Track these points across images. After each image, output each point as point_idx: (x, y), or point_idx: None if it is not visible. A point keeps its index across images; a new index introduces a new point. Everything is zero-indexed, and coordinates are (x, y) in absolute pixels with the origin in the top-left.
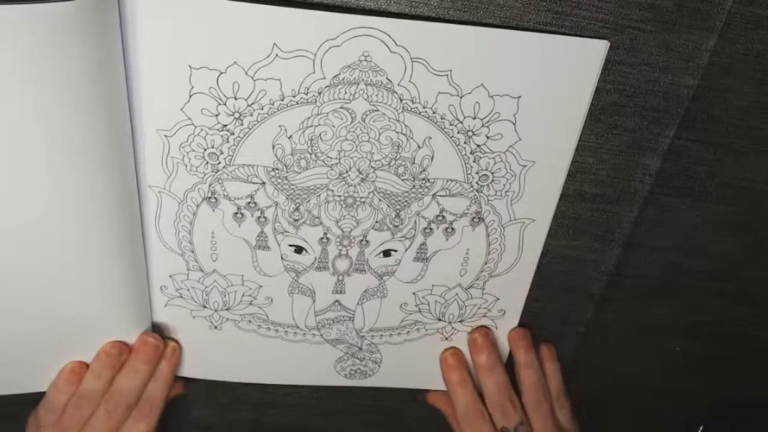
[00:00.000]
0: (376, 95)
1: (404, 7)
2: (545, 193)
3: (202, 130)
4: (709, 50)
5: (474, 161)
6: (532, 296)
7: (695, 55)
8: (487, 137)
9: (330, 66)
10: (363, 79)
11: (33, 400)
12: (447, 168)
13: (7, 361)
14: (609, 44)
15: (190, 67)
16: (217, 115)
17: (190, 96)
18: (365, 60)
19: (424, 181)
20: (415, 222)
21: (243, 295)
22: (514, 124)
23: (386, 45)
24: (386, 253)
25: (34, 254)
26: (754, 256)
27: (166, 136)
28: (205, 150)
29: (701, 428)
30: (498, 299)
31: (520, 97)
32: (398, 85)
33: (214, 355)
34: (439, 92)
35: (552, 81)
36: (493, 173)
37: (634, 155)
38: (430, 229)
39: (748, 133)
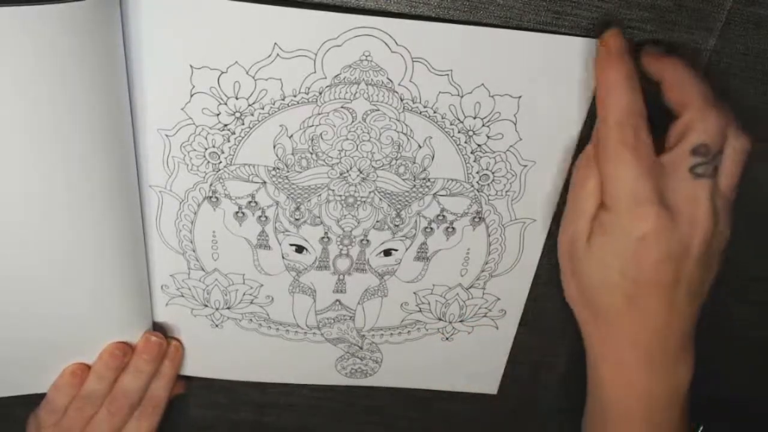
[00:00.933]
0: (377, 95)
1: (404, 7)
2: (546, 192)
3: (203, 129)
4: (709, 50)
5: (474, 161)
6: (532, 296)
7: (695, 55)
8: (488, 137)
9: (331, 66)
10: (364, 79)
11: (32, 400)
12: (447, 168)
13: (8, 362)
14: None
15: (191, 66)
16: (218, 115)
17: (191, 95)
18: (366, 60)
19: (424, 181)
20: (416, 221)
21: (244, 294)
22: (515, 124)
23: (387, 45)
24: (387, 253)
25: (34, 254)
26: (754, 257)
27: (167, 135)
28: (206, 149)
29: (701, 428)
30: (498, 299)
31: (520, 96)
32: (399, 84)
33: (215, 354)
34: (439, 92)
35: (553, 81)
36: (493, 173)
37: None
38: (431, 228)
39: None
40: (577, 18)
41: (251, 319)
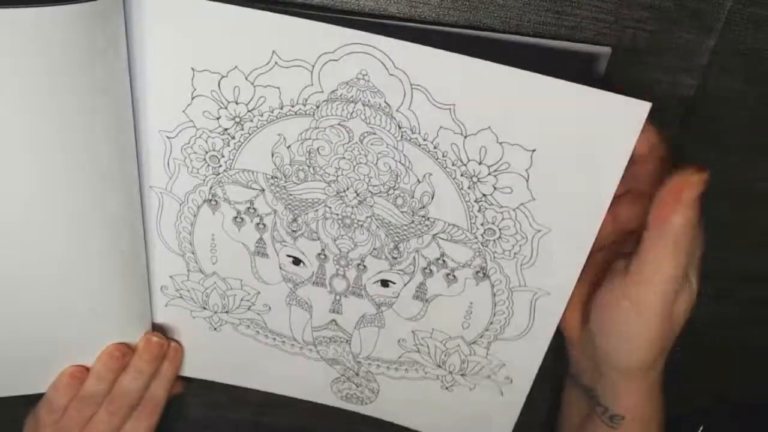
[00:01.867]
0: (374, 118)
1: (404, 7)
2: (563, 265)
3: (203, 132)
4: (709, 50)
5: (479, 210)
6: None
7: (695, 55)
8: (494, 187)
9: (328, 80)
10: (361, 99)
11: (32, 400)
12: (448, 211)
13: (8, 362)
14: (651, 106)
15: (193, 69)
16: (218, 118)
17: (193, 98)
18: (363, 79)
19: (423, 218)
20: (415, 258)
21: (242, 300)
22: (527, 180)
23: (384, 65)
24: (384, 284)
25: (34, 255)
26: (753, 256)
27: (168, 137)
28: (207, 152)
29: (701, 428)
30: (504, 365)
31: (534, 150)
32: (397, 111)
33: (213, 356)
34: (440, 127)
35: (577, 139)
36: (500, 229)
37: None
38: (430, 270)
39: (747, 133)
40: (577, 18)
41: (249, 325)
